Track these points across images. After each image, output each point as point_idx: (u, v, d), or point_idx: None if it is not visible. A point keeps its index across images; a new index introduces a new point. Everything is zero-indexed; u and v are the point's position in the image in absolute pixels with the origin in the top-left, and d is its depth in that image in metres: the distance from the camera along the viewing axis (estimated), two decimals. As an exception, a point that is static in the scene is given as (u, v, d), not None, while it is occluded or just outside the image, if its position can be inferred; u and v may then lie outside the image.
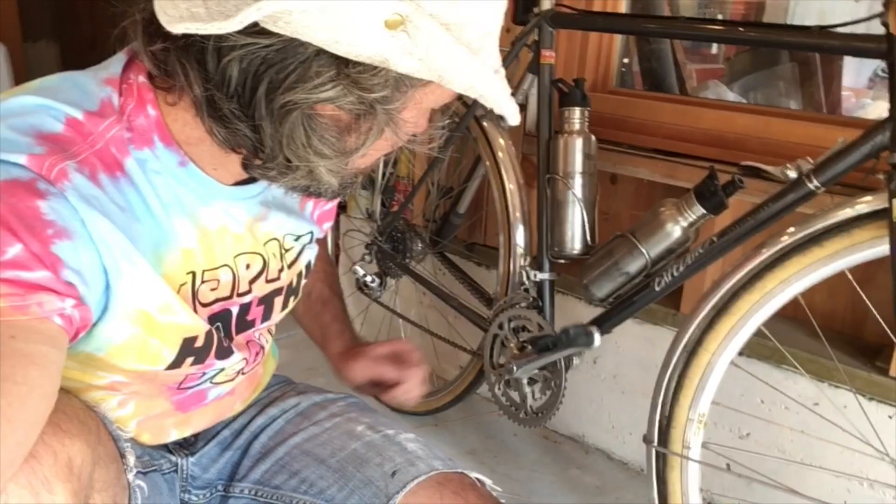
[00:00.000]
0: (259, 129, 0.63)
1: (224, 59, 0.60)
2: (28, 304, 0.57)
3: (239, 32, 0.56)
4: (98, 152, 0.65)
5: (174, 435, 0.87)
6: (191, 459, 0.92)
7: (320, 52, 0.58)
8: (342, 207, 2.13)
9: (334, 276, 1.10)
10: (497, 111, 0.67)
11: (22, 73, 3.11)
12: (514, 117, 0.68)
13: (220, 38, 0.58)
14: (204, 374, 0.82)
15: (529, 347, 1.33)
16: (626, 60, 1.95)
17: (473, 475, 0.89)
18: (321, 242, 1.09)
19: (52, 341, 0.59)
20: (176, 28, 0.57)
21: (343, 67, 0.59)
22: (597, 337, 1.20)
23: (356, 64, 0.59)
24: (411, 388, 0.95)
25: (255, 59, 0.59)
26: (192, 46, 0.60)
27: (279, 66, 0.59)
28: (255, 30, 0.57)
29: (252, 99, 0.61)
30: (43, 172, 0.60)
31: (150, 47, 0.63)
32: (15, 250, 0.57)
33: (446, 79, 0.61)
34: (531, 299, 1.38)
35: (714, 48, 2.87)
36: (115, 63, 0.69)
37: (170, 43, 0.62)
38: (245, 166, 0.70)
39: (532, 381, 1.37)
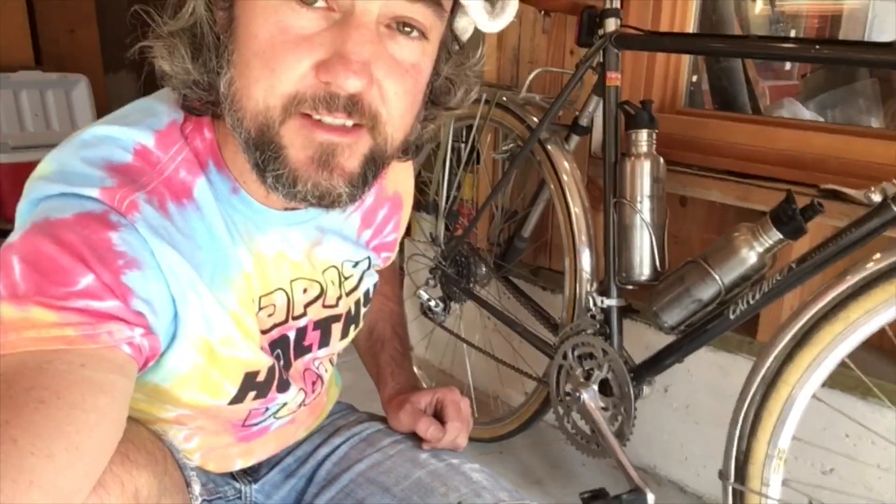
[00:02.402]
0: None
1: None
2: (98, 333, 0.58)
3: None
4: (166, 180, 0.66)
5: (239, 464, 0.87)
6: (254, 486, 0.92)
7: None
8: (406, 232, 2.14)
9: (399, 317, 1.09)
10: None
11: (103, 104, 3.25)
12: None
13: None
14: (267, 409, 0.82)
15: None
16: (694, 79, 1.90)
17: None
18: (392, 282, 1.09)
19: (121, 370, 0.60)
20: None
21: None
22: (650, 498, 1.16)
23: None
24: (448, 443, 0.92)
25: None
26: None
27: None
28: None
29: None
30: (115, 205, 0.62)
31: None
32: (87, 280, 0.58)
33: None
34: (598, 326, 1.35)
35: (788, 64, 2.79)
36: None
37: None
38: None
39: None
